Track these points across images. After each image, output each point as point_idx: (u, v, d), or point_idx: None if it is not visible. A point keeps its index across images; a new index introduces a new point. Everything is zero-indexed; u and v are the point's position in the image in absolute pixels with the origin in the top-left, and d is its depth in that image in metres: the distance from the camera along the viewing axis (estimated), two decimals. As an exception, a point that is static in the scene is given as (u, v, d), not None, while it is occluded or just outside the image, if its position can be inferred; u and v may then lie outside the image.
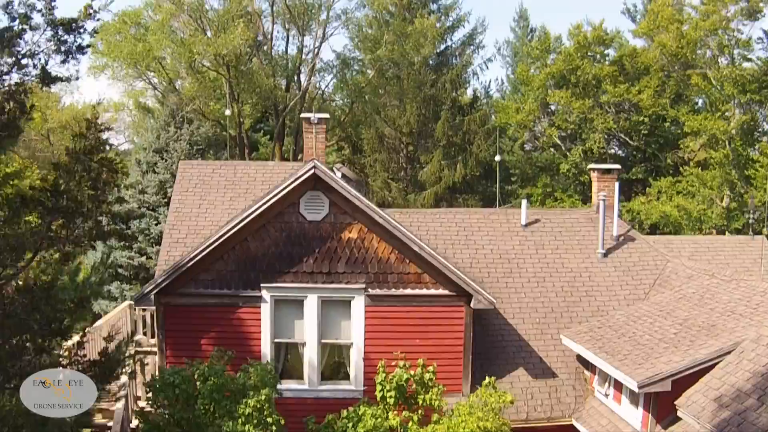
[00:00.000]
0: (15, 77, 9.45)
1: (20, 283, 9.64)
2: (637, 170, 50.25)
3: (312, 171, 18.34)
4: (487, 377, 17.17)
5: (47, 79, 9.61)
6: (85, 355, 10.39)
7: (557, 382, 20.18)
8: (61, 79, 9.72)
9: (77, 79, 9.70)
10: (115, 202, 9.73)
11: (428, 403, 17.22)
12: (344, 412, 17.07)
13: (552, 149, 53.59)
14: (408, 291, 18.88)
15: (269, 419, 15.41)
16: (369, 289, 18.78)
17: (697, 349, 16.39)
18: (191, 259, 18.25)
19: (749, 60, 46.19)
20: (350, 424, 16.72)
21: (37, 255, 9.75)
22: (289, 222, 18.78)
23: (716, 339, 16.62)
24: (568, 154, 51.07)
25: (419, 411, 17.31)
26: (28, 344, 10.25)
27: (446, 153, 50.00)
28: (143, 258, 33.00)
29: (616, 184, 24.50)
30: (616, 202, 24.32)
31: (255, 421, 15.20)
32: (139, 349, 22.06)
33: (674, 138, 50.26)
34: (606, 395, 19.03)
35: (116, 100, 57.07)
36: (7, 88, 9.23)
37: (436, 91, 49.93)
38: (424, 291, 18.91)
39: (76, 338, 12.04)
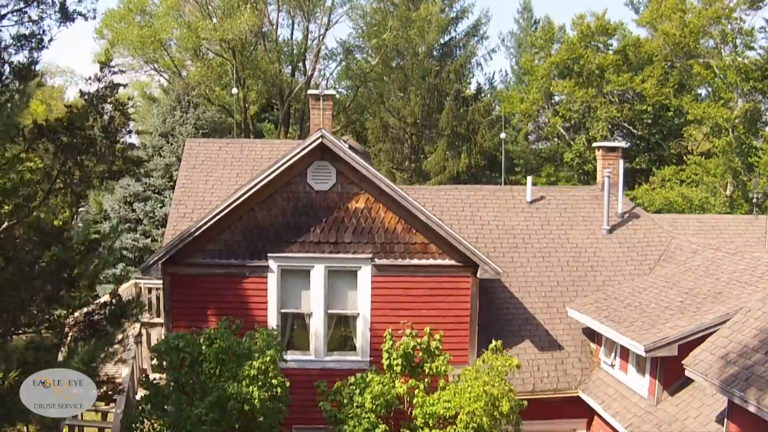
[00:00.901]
0: (33, 13, 9.52)
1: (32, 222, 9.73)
2: (641, 160, 50.30)
3: (319, 140, 18.40)
4: (493, 341, 17.18)
5: (66, 14, 9.66)
6: (97, 296, 10.42)
7: (563, 354, 20.22)
8: (80, 14, 9.77)
9: (94, 17, 9.76)
10: (127, 147, 9.82)
11: (435, 371, 17.25)
12: (351, 378, 17.12)
13: (556, 139, 53.65)
14: (414, 261, 18.93)
15: (274, 381, 15.46)
16: (376, 259, 18.84)
17: (704, 315, 16.46)
18: (198, 228, 18.29)
19: (752, 48, 46.26)
20: (357, 390, 16.77)
21: (50, 195, 9.82)
22: (296, 192, 18.83)
23: (722, 305, 16.68)
24: (572, 143, 51.13)
25: (426, 379, 17.34)
26: (36, 296, 10.30)
27: (450, 143, 50.08)
28: (148, 240, 33.11)
29: (621, 162, 24.53)
30: (620, 179, 24.36)
31: (260, 383, 15.24)
32: (145, 320, 22.11)
33: (677, 128, 50.33)
34: (612, 366, 19.09)
35: (121, 92, 57.04)
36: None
37: (440, 81, 50.00)
38: (431, 261, 18.96)
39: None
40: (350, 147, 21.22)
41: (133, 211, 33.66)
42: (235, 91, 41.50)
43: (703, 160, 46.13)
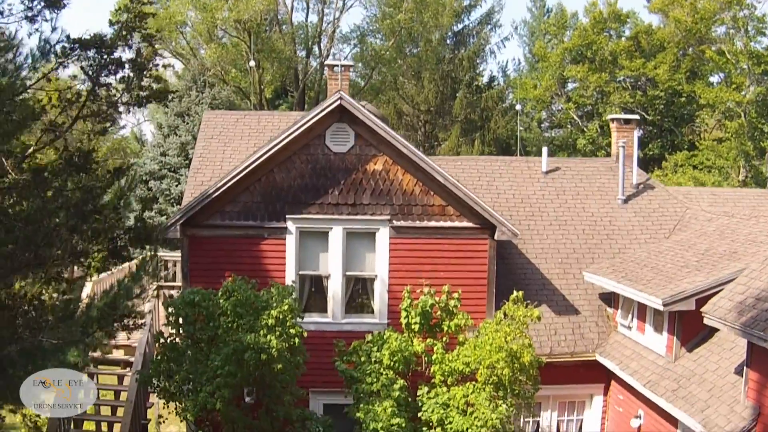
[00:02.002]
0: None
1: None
2: (654, 146, 50.29)
3: (338, 102, 18.50)
4: (514, 291, 17.26)
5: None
6: (120, 219, 10.54)
7: (580, 318, 20.31)
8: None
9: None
10: (153, 81, 9.90)
11: (453, 330, 17.33)
12: (369, 336, 17.24)
13: (569, 126, 53.68)
14: (432, 223, 19.03)
15: (291, 330, 15.55)
16: (394, 221, 18.94)
17: (720, 270, 16.53)
18: (217, 189, 18.40)
19: (764, 34, 46.20)
20: (375, 348, 16.89)
21: (79, 118, 9.95)
22: (314, 154, 18.94)
23: (738, 262, 16.75)
24: (585, 129, 51.16)
25: (444, 338, 17.42)
26: (60, 229, 10.39)
27: (464, 130, 50.18)
28: (164, 218, 33.27)
29: (635, 133, 24.62)
30: (635, 151, 24.45)
31: (277, 332, 15.32)
32: (162, 283, 22.30)
33: (690, 115, 50.32)
34: (629, 327, 19.16)
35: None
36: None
37: (453, 68, 50.11)
38: (449, 223, 19.06)
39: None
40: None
41: (149, 189, 33.87)
42: (252, 63, 41.61)
43: (715, 144, 46.11)
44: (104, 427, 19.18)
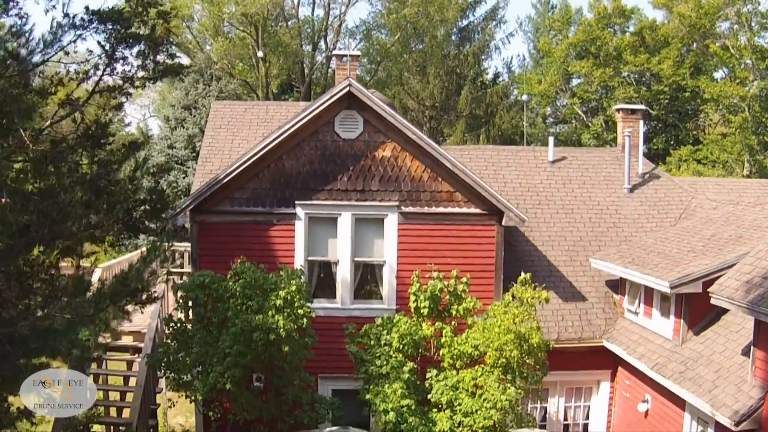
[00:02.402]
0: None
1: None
2: (658, 141, 50.38)
3: (347, 89, 18.64)
4: (522, 273, 17.37)
5: None
6: (135, 190, 10.67)
7: (587, 305, 20.42)
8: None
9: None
10: (167, 56, 9.98)
11: (461, 314, 17.45)
12: (378, 320, 17.38)
13: (574, 121, 53.79)
14: (441, 209, 19.14)
15: (300, 311, 15.69)
16: (402, 207, 19.06)
17: (726, 254, 16.64)
18: (227, 175, 18.54)
19: (767, 29, 46.29)
20: (384, 331, 17.03)
21: (96, 92, 10.08)
22: (323, 140, 19.07)
23: (744, 246, 16.85)
24: (590, 124, 51.27)
25: (453, 322, 17.55)
26: (75, 205, 10.50)
27: (469, 125, 50.32)
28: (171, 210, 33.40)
29: (641, 123, 24.74)
30: (641, 141, 24.60)
31: (285, 313, 15.46)
32: (172, 270, 22.43)
33: (694, 110, 50.43)
34: (636, 313, 19.27)
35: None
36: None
37: (458, 64, 50.24)
38: (457, 209, 19.18)
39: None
40: (376, 98, 21.41)
41: (156, 182, 34.00)
42: (260, 54, 41.76)
43: (720, 138, 46.21)
44: (113, 411, 19.31)
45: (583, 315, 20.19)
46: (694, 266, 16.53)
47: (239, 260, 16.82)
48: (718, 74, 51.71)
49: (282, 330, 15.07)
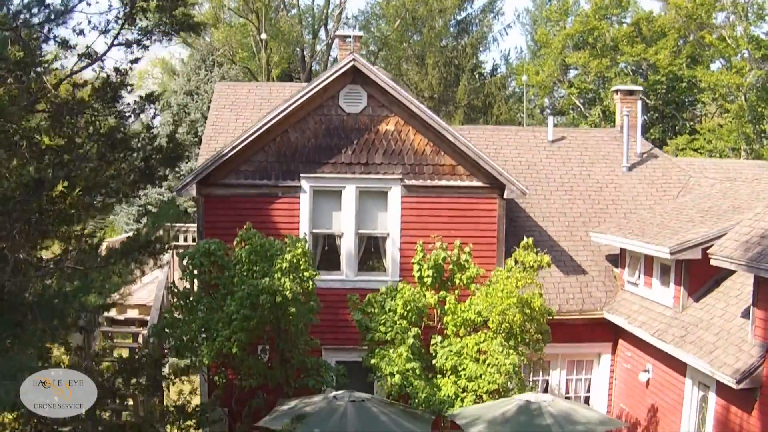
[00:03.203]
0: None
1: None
2: (655, 131, 50.66)
3: (352, 63, 18.90)
4: (525, 238, 17.63)
5: None
6: (153, 138, 10.89)
7: (588, 278, 20.71)
8: None
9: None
10: (184, 15, 10.12)
11: (464, 283, 17.69)
12: (382, 288, 17.61)
13: (571, 111, 54.09)
14: (443, 182, 19.41)
15: (305, 274, 15.94)
16: (405, 180, 19.32)
17: (725, 222, 16.93)
18: (233, 148, 18.78)
19: (763, 19, 46.63)
20: (388, 298, 17.27)
21: (113, 47, 10.33)
22: (328, 114, 19.33)
23: (741, 215, 17.13)
24: (588, 115, 51.59)
25: (456, 292, 17.80)
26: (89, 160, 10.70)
27: (467, 116, 50.56)
28: (174, 195, 33.65)
29: (639, 104, 25.05)
30: (639, 121, 24.95)
31: (291, 276, 15.69)
32: (177, 243, 22.68)
33: (690, 102, 50.78)
34: (636, 284, 19.55)
35: (140, 68, 57.95)
36: None
37: (456, 55, 50.54)
38: (459, 182, 19.44)
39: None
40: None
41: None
42: (264, 36, 42.04)
43: (716, 127, 46.55)
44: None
45: (584, 288, 20.47)
46: (693, 233, 16.82)
47: (245, 226, 17.05)
48: (715, 65, 52.06)
49: (288, 292, 15.28)
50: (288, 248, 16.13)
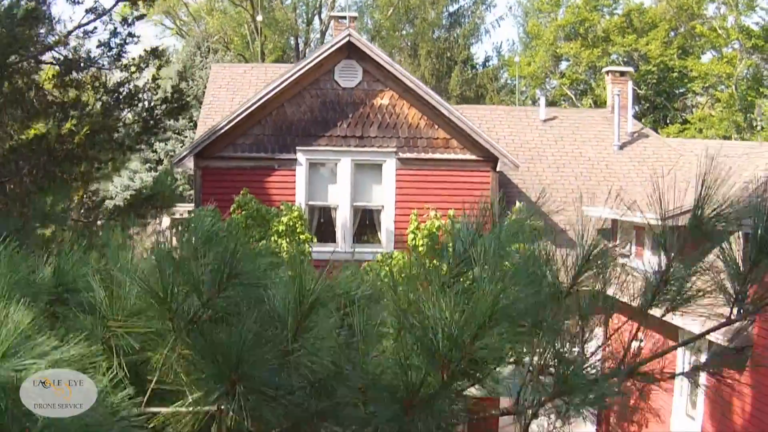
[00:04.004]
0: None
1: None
2: (646, 121, 50.98)
3: (347, 39, 19.20)
4: (517, 203, 17.91)
5: None
6: (158, 87, 11.14)
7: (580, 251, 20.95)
8: None
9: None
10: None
11: (458, 252, 17.93)
12: (378, 256, 17.89)
13: (563, 102, 54.40)
14: (437, 155, 19.70)
15: (302, 236, 16.21)
16: (399, 153, 19.61)
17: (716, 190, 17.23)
18: (230, 121, 19.06)
19: (753, 9, 47.06)
20: (384, 266, 17.52)
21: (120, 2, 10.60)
22: (324, 89, 19.62)
23: (738, 178, 17.46)
24: (579, 105, 51.91)
25: (449, 261, 18.03)
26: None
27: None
28: (168, 178, 33.79)
29: (630, 84, 25.38)
30: (629, 101, 25.29)
31: (288, 239, 15.97)
32: (174, 217, 22.86)
33: (681, 92, 51.14)
34: (628, 256, 19.83)
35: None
36: None
37: (449, 46, 50.83)
38: (453, 155, 19.74)
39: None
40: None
41: (154, 151, 34.46)
42: (260, 17, 42.22)
43: (708, 116, 46.95)
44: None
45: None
46: (684, 201, 17.12)
47: (242, 192, 17.31)
48: (706, 57, 52.44)
49: (285, 253, 15.55)
50: (284, 212, 16.41)
